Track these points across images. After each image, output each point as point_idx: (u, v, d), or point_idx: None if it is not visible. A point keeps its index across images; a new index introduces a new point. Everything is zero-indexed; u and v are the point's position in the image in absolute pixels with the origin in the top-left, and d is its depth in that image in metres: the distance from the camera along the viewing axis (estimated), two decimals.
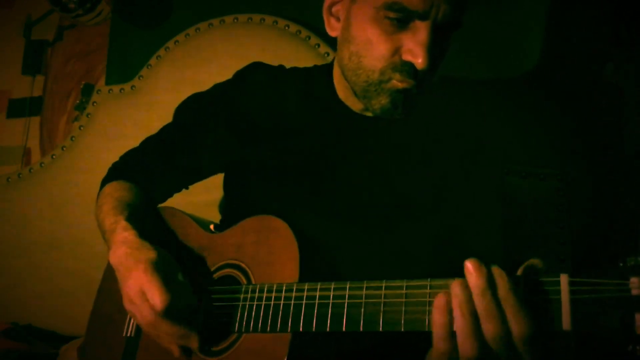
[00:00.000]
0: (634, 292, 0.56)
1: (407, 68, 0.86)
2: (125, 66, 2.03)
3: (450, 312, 0.64)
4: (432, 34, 0.83)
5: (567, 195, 1.41)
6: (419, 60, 0.83)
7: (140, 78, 1.91)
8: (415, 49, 0.84)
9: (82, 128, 1.92)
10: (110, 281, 1.09)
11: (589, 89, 1.57)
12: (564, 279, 0.61)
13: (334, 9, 0.96)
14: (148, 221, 1.03)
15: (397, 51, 0.86)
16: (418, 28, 0.84)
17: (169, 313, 0.83)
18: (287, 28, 1.78)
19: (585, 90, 1.57)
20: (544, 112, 1.57)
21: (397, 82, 0.87)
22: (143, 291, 0.84)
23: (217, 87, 1.16)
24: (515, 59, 1.63)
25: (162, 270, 0.87)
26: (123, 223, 0.97)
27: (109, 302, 1.07)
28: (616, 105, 1.54)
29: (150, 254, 0.89)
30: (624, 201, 1.49)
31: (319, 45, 1.74)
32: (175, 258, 0.92)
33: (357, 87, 0.92)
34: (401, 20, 0.84)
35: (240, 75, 1.14)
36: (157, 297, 0.83)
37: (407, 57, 0.85)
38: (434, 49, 0.84)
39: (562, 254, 1.39)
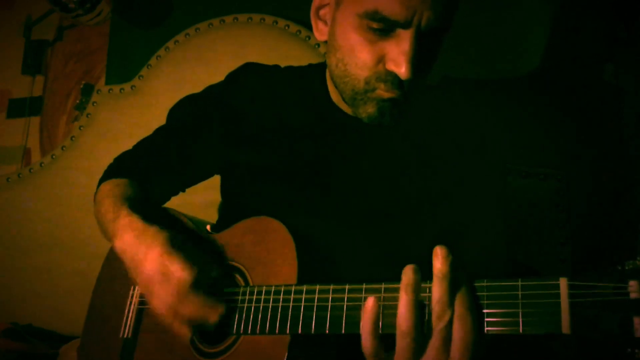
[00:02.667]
0: (633, 295, 0.56)
1: (392, 78, 0.84)
2: (125, 66, 2.03)
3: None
4: (415, 42, 0.80)
5: (567, 195, 1.41)
6: (402, 71, 0.81)
7: (140, 78, 1.91)
8: (398, 59, 0.81)
9: (82, 128, 1.92)
10: (106, 281, 1.09)
11: (589, 89, 1.57)
12: (563, 282, 0.61)
13: (321, 13, 0.94)
14: (148, 215, 1.03)
15: (381, 60, 0.84)
16: (401, 37, 0.81)
17: (197, 286, 0.82)
18: (287, 28, 1.78)
19: (585, 91, 1.57)
20: (544, 113, 1.57)
21: (383, 92, 0.85)
22: (165, 269, 0.83)
23: (210, 89, 1.15)
24: (516, 59, 1.63)
25: (179, 247, 0.86)
26: (126, 211, 0.97)
27: (105, 303, 1.07)
28: (616, 105, 1.54)
29: (162, 234, 0.88)
30: (624, 201, 1.49)
31: (318, 45, 1.74)
32: None
33: (345, 94, 0.91)
34: (383, 29, 0.81)
35: (232, 76, 1.13)
36: (183, 271, 0.82)
37: (390, 66, 0.83)
38: (420, 56, 0.82)
39: (562, 254, 1.39)
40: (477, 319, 0.64)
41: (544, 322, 0.61)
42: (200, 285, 0.83)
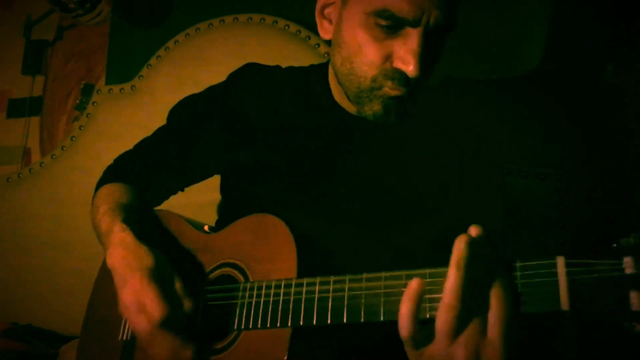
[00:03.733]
0: (628, 270, 0.59)
1: (399, 76, 0.84)
2: (125, 66, 2.03)
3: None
4: (423, 40, 0.82)
5: (567, 195, 1.42)
6: (410, 68, 0.82)
7: (141, 78, 1.91)
8: (406, 57, 0.82)
9: (82, 128, 1.92)
10: (104, 282, 1.09)
11: (589, 89, 1.57)
12: (560, 260, 0.63)
13: (326, 11, 0.94)
14: (144, 223, 1.03)
15: (388, 58, 0.85)
16: (409, 35, 0.82)
17: (167, 324, 0.83)
18: (287, 28, 1.78)
19: (585, 91, 1.58)
20: (544, 112, 1.57)
21: (389, 89, 0.86)
22: (139, 301, 0.84)
23: (211, 89, 1.15)
24: (516, 59, 1.64)
25: (159, 278, 0.86)
26: (120, 225, 0.96)
27: (103, 304, 1.06)
28: (616, 105, 1.54)
29: (147, 260, 0.88)
30: (624, 201, 1.49)
31: (318, 45, 1.74)
32: (171, 260, 0.92)
33: (349, 92, 0.91)
34: (392, 27, 0.82)
35: (234, 76, 1.13)
36: (154, 308, 0.82)
37: (398, 64, 0.84)
38: (427, 54, 0.83)
39: (562, 254, 1.39)
40: (513, 300, 0.65)
41: (543, 301, 0.63)
42: (171, 323, 0.83)
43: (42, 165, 1.92)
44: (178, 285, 0.88)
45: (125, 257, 0.89)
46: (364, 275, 0.74)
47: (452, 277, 0.64)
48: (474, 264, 0.65)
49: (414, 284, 0.66)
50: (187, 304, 0.87)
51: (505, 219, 1.03)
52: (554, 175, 1.44)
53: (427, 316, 0.67)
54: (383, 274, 0.72)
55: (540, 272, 0.64)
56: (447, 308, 0.64)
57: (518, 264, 0.66)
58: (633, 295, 0.58)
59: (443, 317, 0.64)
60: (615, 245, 0.60)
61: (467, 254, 0.65)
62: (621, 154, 1.52)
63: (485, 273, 0.65)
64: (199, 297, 0.91)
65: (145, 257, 0.89)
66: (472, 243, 0.65)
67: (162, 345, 0.84)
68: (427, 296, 0.68)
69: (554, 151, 1.55)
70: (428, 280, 0.68)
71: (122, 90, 1.92)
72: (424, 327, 0.67)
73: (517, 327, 0.65)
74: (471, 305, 0.64)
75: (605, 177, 1.52)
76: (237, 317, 0.85)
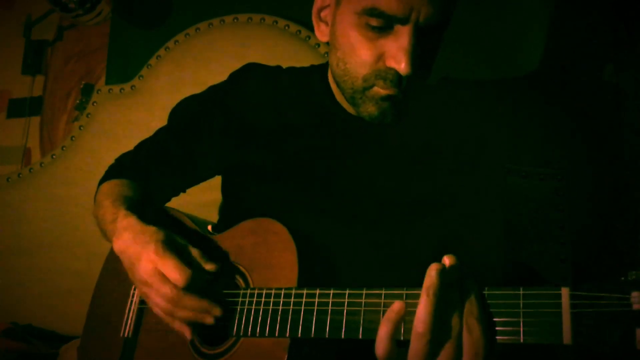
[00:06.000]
0: (635, 306, 0.56)
1: (391, 75, 0.84)
2: (125, 66, 2.03)
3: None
4: (414, 38, 0.81)
5: (567, 196, 1.41)
6: (402, 66, 0.82)
7: (141, 78, 1.91)
8: (397, 55, 0.82)
9: (82, 128, 1.92)
10: (107, 281, 1.09)
11: (589, 90, 1.57)
12: (564, 292, 0.60)
13: (322, 14, 0.95)
14: (149, 216, 1.03)
15: (380, 57, 0.85)
16: (400, 33, 0.82)
17: (191, 287, 0.83)
18: (287, 28, 1.78)
19: (585, 91, 1.57)
20: (544, 113, 1.57)
21: (380, 89, 0.86)
22: (159, 271, 0.84)
23: (212, 89, 1.15)
24: (515, 59, 1.63)
25: (174, 246, 0.87)
26: (124, 211, 0.97)
27: (106, 303, 1.07)
28: (616, 106, 1.54)
29: (157, 234, 0.89)
30: (624, 201, 1.49)
31: (318, 45, 1.74)
32: None
33: (345, 93, 0.91)
34: (383, 26, 0.82)
35: (235, 76, 1.13)
36: (176, 272, 0.82)
37: (390, 63, 0.84)
38: (419, 52, 0.83)
39: (562, 254, 1.39)
40: (486, 330, 0.64)
41: (545, 332, 0.61)
42: (196, 286, 0.84)
43: (42, 165, 1.92)
44: (195, 252, 0.89)
45: (134, 238, 0.90)
46: (364, 291, 0.73)
47: (422, 305, 0.64)
48: (445, 292, 0.65)
49: (395, 307, 0.67)
50: (209, 266, 0.88)
51: (504, 219, 1.02)
52: (554, 175, 1.44)
53: (402, 338, 0.67)
54: (383, 291, 0.72)
55: (543, 302, 0.62)
56: (417, 336, 0.64)
57: (521, 292, 0.64)
58: (639, 333, 0.55)
59: (414, 345, 0.65)
60: (623, 278, 0.57)
61: (438, 282, 0.65)
62: (621, 153, 1.52)
63: (458, 302, 0.65)
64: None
65: (155, 232, 0.89)
66: (443, 272, 0.65)
67: (190, 307, 0.84)
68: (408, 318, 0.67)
69: (554, 151, 1.55)
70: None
71: (122, 90, 1.92)
72: (400, 350, 0.67)
73: (494, 357, 0.64)
74: (444, 334, 0.64)
75: (605, 177, 1.52)
76: (236, 323, 0.84)
